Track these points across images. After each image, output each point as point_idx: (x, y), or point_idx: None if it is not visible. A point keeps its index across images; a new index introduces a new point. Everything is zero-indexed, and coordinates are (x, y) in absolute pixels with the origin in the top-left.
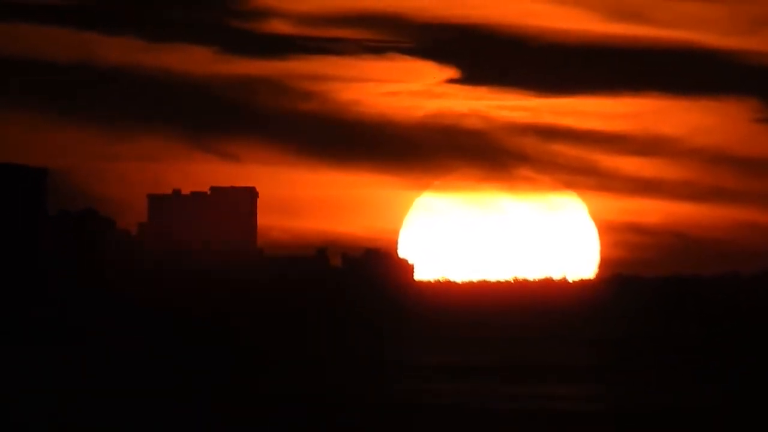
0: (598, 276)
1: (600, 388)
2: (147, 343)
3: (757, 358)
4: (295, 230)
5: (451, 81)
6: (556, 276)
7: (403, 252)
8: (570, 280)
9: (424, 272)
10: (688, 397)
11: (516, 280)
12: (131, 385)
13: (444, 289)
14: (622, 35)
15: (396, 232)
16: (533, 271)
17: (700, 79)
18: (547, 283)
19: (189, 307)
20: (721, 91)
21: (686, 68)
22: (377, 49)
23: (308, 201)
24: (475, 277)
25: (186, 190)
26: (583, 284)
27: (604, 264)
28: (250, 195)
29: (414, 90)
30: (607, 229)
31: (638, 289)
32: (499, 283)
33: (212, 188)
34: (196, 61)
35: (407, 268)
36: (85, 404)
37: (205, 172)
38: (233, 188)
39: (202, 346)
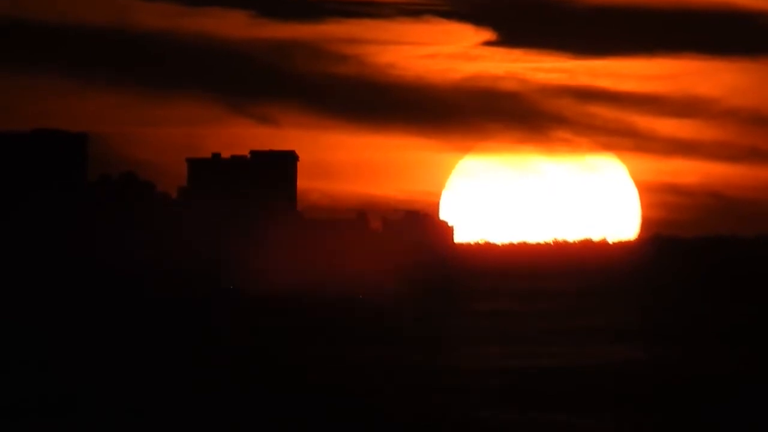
0: (639, 237)
1: (645, 348)
2: (185, 306)
3: None
4: (334, 193)
5: (488, 43)
6: (596, 237)
7: (443, 215)
8: (610, 241)
9: (464, 235)
10: (725, 358)
11: (556, 242)
12: (168, 353)
13: (484, 252)
14: None
15: (436, 195)
16: (573, 233)
17: (737, 40)
18: (588, 245)
19: (228, 269)
20: (759, 51)
21: (723, 29)
22: (414, 12)
23: (347, 164)
24: (515, 239)
25: (225, 154)
26: (624, 245)
27: (643, 225)
28: (290, 159)
29: (451, 52)
30: (644, 190)
31: (676, 249)
32: (539, 245)
33: (252, 152)
34: (233, 25)
35: (447, 231)
36: (120, 371)
37: (243, 136)
38: (273, 152)
39: (241, 310)
